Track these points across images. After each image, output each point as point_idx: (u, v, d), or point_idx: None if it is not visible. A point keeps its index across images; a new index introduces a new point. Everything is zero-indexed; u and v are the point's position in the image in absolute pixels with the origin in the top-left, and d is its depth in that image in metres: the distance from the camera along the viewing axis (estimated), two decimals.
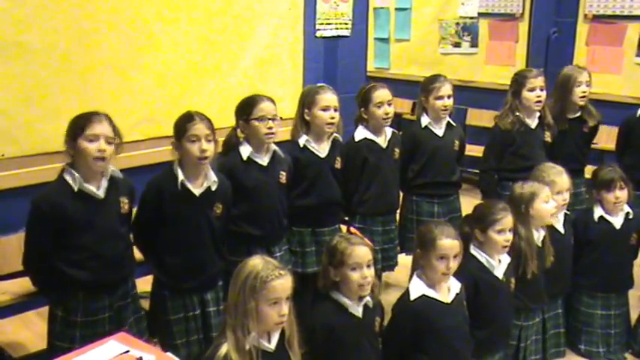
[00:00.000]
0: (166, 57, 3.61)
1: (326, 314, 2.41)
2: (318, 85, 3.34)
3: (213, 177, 2.68)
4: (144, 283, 2.82)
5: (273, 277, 2.05)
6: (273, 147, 3.00)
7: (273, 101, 2.95)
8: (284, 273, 2.09)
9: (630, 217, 3.35)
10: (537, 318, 3.17)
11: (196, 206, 2.65)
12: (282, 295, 2.07)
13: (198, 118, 2.60)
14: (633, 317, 3.49)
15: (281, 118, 2.98)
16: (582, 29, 5.59)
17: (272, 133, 2.91)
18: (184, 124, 2.59)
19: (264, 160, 2.96)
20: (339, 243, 2.42)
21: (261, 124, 2.88)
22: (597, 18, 5.49)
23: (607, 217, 3.33)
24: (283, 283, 2.07)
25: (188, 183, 2.62)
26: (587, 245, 3.36)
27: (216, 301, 2.74)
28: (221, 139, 2.90)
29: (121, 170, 2.55)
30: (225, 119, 3.12)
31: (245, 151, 2.93)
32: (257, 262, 2.09)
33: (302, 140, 3.20)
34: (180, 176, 2.60)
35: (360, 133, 3.45)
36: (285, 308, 2.08)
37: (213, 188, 2.68)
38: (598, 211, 3.35)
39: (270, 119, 2.89)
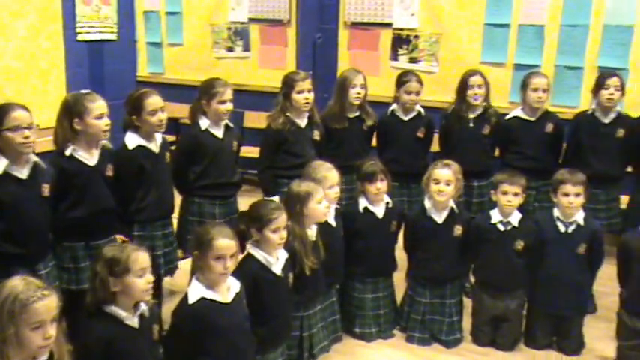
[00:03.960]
0: None
1: (100, 329, 2.31)
2: (84, 92, 3.18)
3: None
4: None
5: (35, 298, 1.93)
6: (34, 158, 2.80)
7: (27, 109, 2.74)
8: (48, 293, 1.97)
9: (390, 206, 3.66)
10: (318, 305, 3.36)
11: None
12: (47, 316, 1.95)
13: None
14: (398, 296, 3.82)
15: (38, 126, 2.78)
16: (343, 35, 5.98)
17: (30, 143, 2.71)
18: None
19: (23, 174, 2.75)
20: (120, 252, 2.36)
21: (15, 135, 2.67)
22: (355, 25, 5.91)
23: (370, 207, 3.62)
24: (47, 304, 1.95)
25: None
26: (355, 235, 3.61)
27: None
28: None
29: None
30: None
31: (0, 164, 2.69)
32: (16, 283, 1.95)
33: (68, 150, 3.03)
34: None
35: (132, 140, 3.34)
36: (52, 330, 1.96)
37: None
38: (362, 203, 3.62)
39: (25, 128, 2.68)
